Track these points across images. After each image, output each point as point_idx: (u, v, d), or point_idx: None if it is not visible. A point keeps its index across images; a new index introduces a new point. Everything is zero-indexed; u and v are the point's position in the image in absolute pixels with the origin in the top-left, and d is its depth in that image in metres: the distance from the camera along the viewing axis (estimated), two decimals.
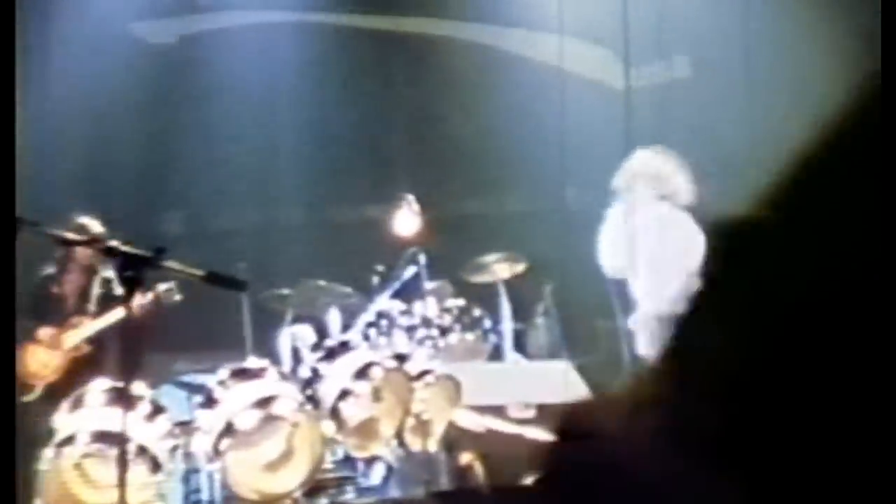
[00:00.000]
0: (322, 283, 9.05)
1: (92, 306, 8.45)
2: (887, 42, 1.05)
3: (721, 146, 10.05)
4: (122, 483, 4.72)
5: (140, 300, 7.96)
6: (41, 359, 8.30)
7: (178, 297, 7.86)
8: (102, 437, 6.78)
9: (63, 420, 7.00)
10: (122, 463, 4.87)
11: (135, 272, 4.62)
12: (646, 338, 8.44)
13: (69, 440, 6.87)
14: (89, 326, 8.33)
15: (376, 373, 7.48)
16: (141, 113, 11.27)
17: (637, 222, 8.68)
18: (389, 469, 7.61)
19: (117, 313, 8.12)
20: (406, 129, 11.70)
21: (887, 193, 0.92)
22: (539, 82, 10.65)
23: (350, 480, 7.63)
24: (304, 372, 7.63)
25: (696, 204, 8.83)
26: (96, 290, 8.46)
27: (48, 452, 6.84)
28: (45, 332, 8.32)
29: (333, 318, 8.72)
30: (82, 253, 8.33)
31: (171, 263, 4.78)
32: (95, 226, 8.07)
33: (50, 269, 8.54)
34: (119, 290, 8.19)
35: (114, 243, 4.71)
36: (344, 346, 7.71)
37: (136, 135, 11.26)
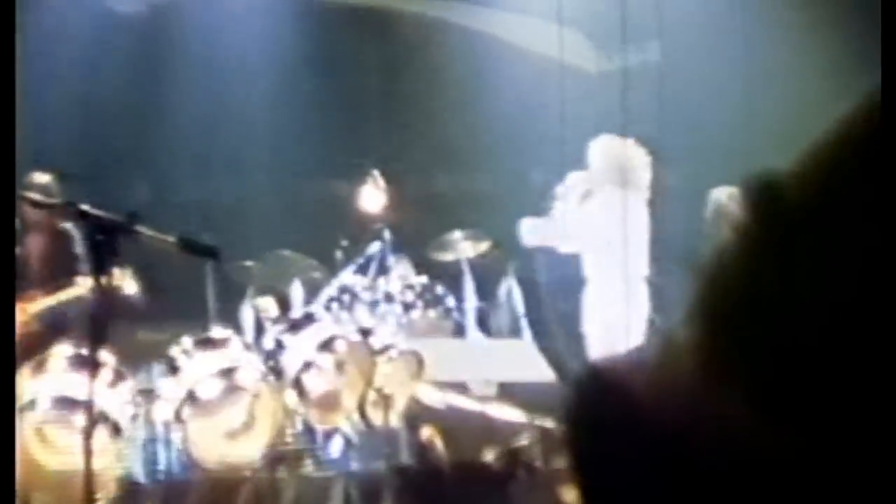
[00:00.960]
0: (287, 252, 9.05)
1: (54, 269, 8.39)
2: (888, 38, 1.08)
3: (692, 130, 10.11)
4: (87, 451, 4.71)
5: (89, 284, 7.91)
6: None
7: (132, 289, 7.50)
8: (64, 402, 6.77)
9: (24, 385, 6.97)
10: (89, 432, 4.86)
11: (106, 237, 4.61)
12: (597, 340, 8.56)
13: (30, 405, 6.86)
14: (40, 302, 8.27)
15: (340, 346, 7.51)
16: (109, 80, 11.18)
17: (595, 203, 8.80)
18: (348, 442, 7.64)
19: (70, 291, 8.09)
20: (375, 104, 11.68)
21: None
22: (510, 63, 10.67)
23: (309, 452, 7.65)
24: (268, 343, 7.65)
25: (657, 189, 8.96)
26: (58, 251, 8.41)
27: None
28: None
29: (296, 291, 8.72)
30: (39, 215, 8.25)
31: (143, 229, 4.76)
32: (44, 178, 8.02)
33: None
34: (80, 249, 8.22)
35: (85, 207, 4.69)
36: (308, 319, 7.73)
37: (103, 102, 11.18)
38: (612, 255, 8.63)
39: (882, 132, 0.97)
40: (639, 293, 8.75)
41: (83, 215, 4.70)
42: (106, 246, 4.65)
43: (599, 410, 1.09)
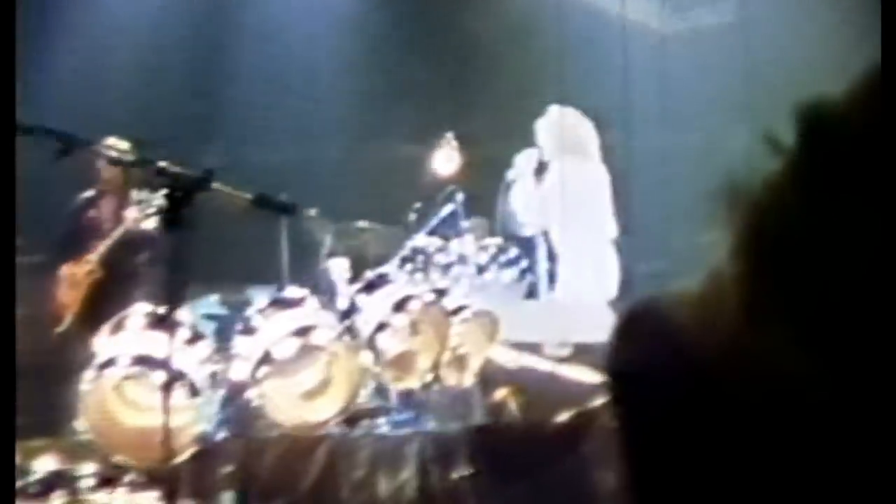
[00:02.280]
0: (363, 224, 9.10)
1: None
2: (887, 36, 1.05)
3: (763, 91, 10.00)
4: (167, 409, 4.75)
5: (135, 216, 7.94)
6: (67, 290, 8.37)
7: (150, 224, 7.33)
8: (143, 360, 6.83)
9: (103, 343, 7.05)
10: (168, 390, 4.91)
11: (184, 193, 4.65)
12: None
13: (110, 363, 6.92)
14: (98, 248, 8.39)
15: (414, 306, 7.51)
16: (183, 47, 11.27)
17: (552, 178, 8.81)
18: (423, 403, 7.65)
19: (120, 228, 8.20)
20: (449, 67, 11.65)
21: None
22: (585, 26, 10.61)
23: (384, 412, 7.68)
24: (343, 303, 7.66)
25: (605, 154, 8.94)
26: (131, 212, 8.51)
27: (89, 374, 6.89)
28: (70, 265, 8.40)
29: (370, 252, 8.75)
30: (113, 175, 8.36)
31: (220, 186, 4.80)
32: (123, 145, 8.12)
33: (89, 193, 8.60)
34: (152, 209, 8.29)
35: (163, 164, 4.73)
36: (382, 279, 7.74)
37: (178, 67, 11.27)
38: (581, 223, 8.67)
39: None
40: (609, 256, 8.86)
41: (161, 172, 4.74)
42: (182, 203, 4.68)
43: (643, 349, 1.07)
